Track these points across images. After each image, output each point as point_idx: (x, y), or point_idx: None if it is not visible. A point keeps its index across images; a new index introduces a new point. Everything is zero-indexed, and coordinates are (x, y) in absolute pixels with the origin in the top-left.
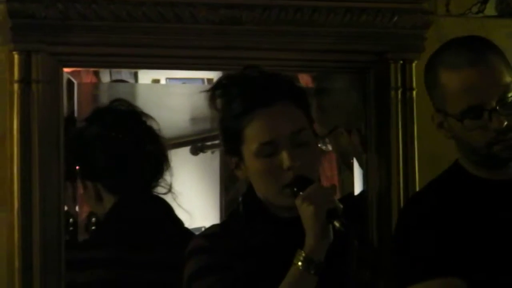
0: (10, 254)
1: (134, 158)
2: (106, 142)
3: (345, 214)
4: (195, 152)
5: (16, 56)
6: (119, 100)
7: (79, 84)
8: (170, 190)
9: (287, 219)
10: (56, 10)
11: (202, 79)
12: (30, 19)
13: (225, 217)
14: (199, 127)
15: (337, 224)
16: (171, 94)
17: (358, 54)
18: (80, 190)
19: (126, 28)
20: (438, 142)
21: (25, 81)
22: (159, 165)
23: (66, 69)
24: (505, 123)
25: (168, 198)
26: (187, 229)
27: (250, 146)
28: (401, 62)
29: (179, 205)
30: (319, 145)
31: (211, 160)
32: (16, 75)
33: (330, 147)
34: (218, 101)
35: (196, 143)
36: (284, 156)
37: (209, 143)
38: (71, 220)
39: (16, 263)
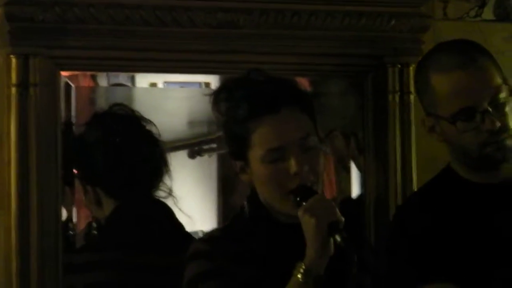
0: (8, 257)
1: (134, 162)
2: (106, 146)
3: (346, 228)
4: (192, 155)
5: (13, 60)
6: (118, 105)
7: (76, 88)
8: (170, 193)
9: (289, 224)
10: (53, 14)
11: (200, 83)
12: (27, 22)
13: (223, 221)
14: (196, 130)
15: (338, 238)
16: (169, 97)
17: (356, 58)
18: (80, 194)
19: (124, 31)
20: (435, 145)
21: (23, 84)
22: (158, 169)
23: (63, 73)
24: (498, 124)
25: (169, 202)
26: (187, 233)
27: (257, 151)
28: (399, 66)
29: (179, 209)
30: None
31: (208, 163)
32: (13, 79)
33: (328, 150)
34: (222, 105)
35: (194, 147)
36: (292, 162)
37: (206, 146)
38: (70, 224)
39: (14, 267)
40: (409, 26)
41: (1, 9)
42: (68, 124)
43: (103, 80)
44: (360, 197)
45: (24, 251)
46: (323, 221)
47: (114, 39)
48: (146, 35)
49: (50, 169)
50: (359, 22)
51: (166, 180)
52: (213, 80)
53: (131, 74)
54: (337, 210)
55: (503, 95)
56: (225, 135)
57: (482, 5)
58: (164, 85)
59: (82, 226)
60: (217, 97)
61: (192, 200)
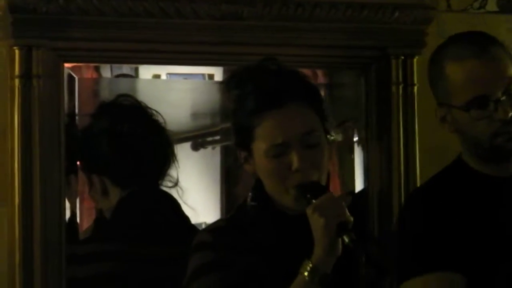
0: (11, 249)
1: (142, 151)
2: (113, 135)
3: (355, 228)
4: (196, 148)
5: (16, 51)
6: (124, 95)
7: (80, 79)
8: (176, 184)
9: (293, 216)
10: (57, 5)
11: (203, 75)
12: (31, 14)
13: (226, 213)
14: (200, 122)
15: (346, 239)
16: (172, 89)
17: (359, 50)
18: (85, 185)
19: (127, 23)
20: (439, 137)
21: (26, 76)
22: (166, 158)
23: (67, 64)
24: (511, 113)
25: (174, 194)
26: (192, 225)
27: (260, 145)
28: (402, 57)
29: (184, 202)
30: (328, 136)
31: (212, 155)
32: (16, 71)
33: (340, 138)
34: (232, 92)
35: (197, 139)
36: (294, 157)
37: (210, 138)
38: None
39: (17, 258)
40: (412, 17)
41: (4, 1)
42: (71, 115)
43: (106, 72)
44: (364, 189)
45: (27, 242)
46: (332, 221)
47: (117, 30)
48: (149, 27)
49: (54, 160)
50: (363, 14)
51: (173, 170)
52: (217, 72)
53: (134, 65)
54: (346, 210)
55: None
56: (232, 124)
57: None
58: (167, 77)
59: (85, 217)
60: (228, 84)
61: (196, 192)
